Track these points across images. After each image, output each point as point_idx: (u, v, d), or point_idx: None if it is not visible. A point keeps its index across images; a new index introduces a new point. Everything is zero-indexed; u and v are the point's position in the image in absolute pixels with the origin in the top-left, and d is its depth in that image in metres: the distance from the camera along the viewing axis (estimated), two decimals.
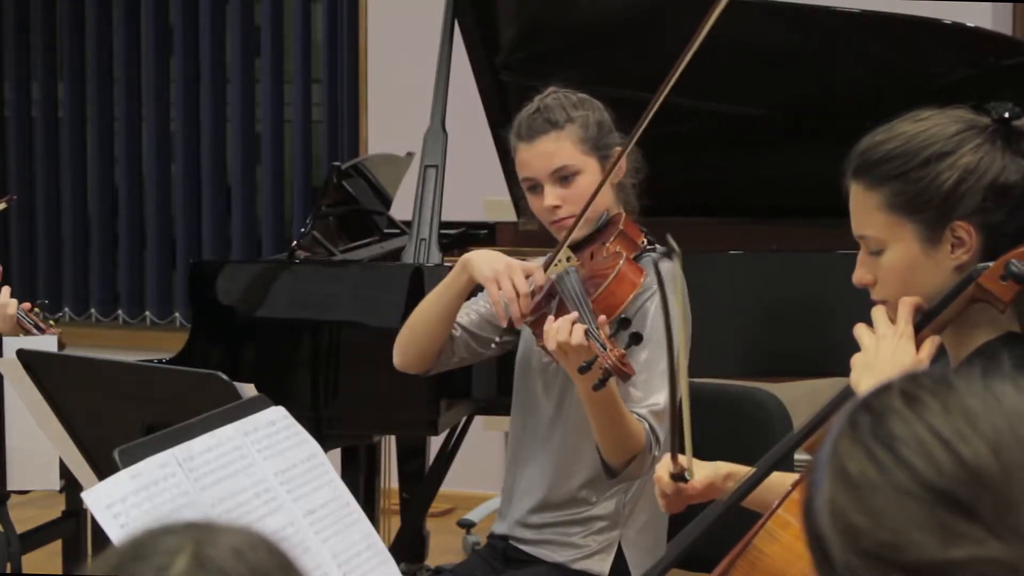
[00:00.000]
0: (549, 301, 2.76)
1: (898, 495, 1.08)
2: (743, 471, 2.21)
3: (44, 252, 6.61)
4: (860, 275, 2.06)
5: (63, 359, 2.60)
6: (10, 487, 3.04)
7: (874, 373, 1.95)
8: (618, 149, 2.86)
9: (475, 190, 5.05)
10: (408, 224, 3.87)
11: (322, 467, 2.09)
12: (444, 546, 5.00)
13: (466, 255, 2.90)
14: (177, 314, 6.44)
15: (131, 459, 1.87)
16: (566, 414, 2.91)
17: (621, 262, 2.72)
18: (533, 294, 2.79)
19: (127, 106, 6.43)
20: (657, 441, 2.74)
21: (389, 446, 4.09)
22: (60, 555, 4.17)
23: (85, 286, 6.59)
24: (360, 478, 3.88)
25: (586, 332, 2.56)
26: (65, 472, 2.81)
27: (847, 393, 1.98)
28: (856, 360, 2.01)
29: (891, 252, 2.01)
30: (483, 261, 2.84)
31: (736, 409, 3.02)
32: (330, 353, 3.62)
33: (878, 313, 2.02)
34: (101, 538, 2.85)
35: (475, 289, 2.91)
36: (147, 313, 6.47)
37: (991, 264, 1.94)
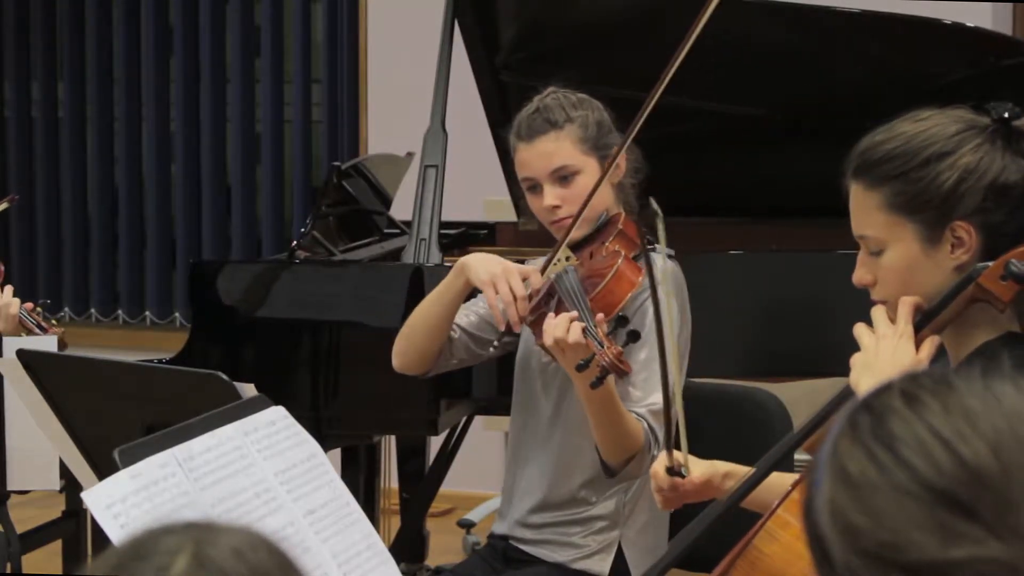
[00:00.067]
0: (549, 300, 2.76)
1: (898, 495, 1.08)
2: (742, 471, 2.21)
3: (44, 252, 6.61)
4: (860, 275, 2.06)
5: (63, 359, 2.60)
6: (10, 487, 3.04)
7: (874, 373, 1.95)
8: (617, 151, 2.86)
9: (475, 190, 5.05)
10: (408, 224, 3.87)
11: (322, 467, 2.09)
12: (444, 546, 5.00)
13: (463, 258, 2.90)
14: (177, 314, 6.44)
15: (131, 459, 1.87)
16: (565, 414, 2.91)
17: (619, 261, 2.72)
18: (530, 297, 2.79)
19: (127, 106, 6.43)
20: (656, 440, 2.73)
21: (389, 446, 4.09)
22: (60, 555, 4.17)
23: (85, 286, 6.59)
24: (360, 478, 3.87)
25: (584, 330, 2.56)
26: (65, 472, 2.81)
27: (847, 393, 1.98)
28: (856, 360, 2.01)
29: (891, 252, 2.01)
30: (480, 264, 2.84)
31: (736, 409, 3.02)
32: (330, 353, 3.62)
33: (878, 313, 2.02)
34: (101, 538, 2.85)
35: (474, 291, 2.91)
36: (147, 313, 6.48)
37: (991, 264, 1.94)
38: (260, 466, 2.01)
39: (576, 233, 2.84)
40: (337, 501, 2.07)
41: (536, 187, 2.90)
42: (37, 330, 3.40)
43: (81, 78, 6.51)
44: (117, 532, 1.79)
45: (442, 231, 3.79)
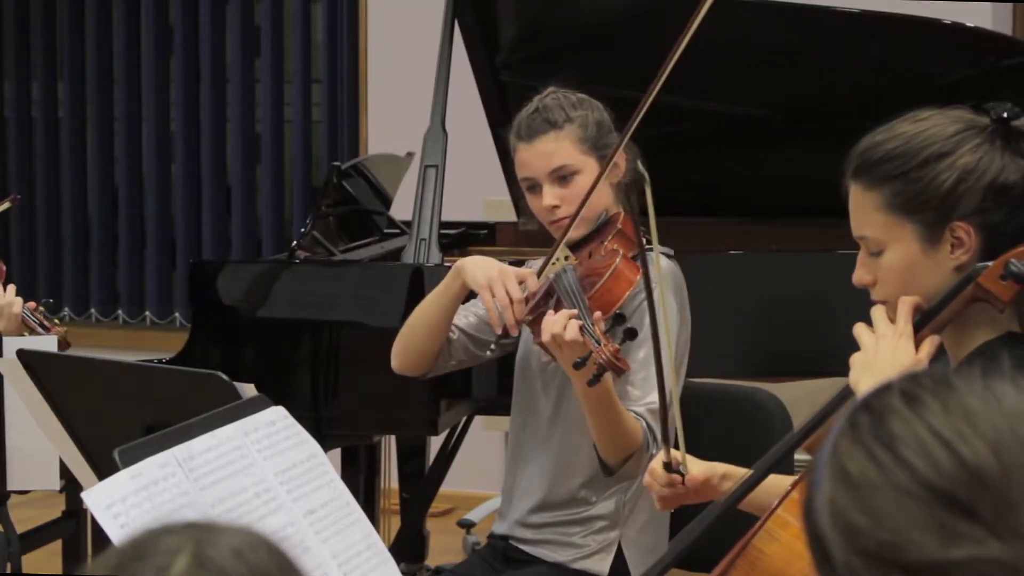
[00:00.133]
0: (548, 299, 2.77)
1: (898, 495, 1.08)
2: (739, 472, 2.21)
3: (44, 252, 6.61)
4: (860, 275, 2.06)
5: (63, 359, 2.60)
6: (10, 487, 3.03)
7: (873, 373, 1.95)
8: (618, 152, 2.86)
9: (475, 190, 5.05)
10: (408, 224, 3.87)
11: (322, 467, 2.09)
12: (444, 546, 5.00)
13: (460, 261, 2.90)
14: (177, 314, 6.44)
15: (131, 459, 1.87)
16: (565, 413, 2.91)
17: (617, 260, 2.73)
18: (527, 300, 2.79)
19: (127, 106, 6.43)
20: (654, 439, 2.74)
21: (389, 446, 4.09)
22: (60, 555, 4.17)
23: (85, 286, 6.59)
24: (360, 478, 3.87)
25: (581, 328, 2.57)
26: (65, 472, 2.80)
27: (847, 393, 1.99)
28: (855, 359, 2.01)
29: (891, 252, 2.01)
30: (476, 267, 2.84)
31: (736, 409, 3.02)
32: (330, 353, 3.62)
33: (877, 313, 2.02)
34: (101, 538, 2.85)
35: (472, 292, 2.91)
36: (147, 313, 6.48)
37: (991, 263, 1.94)
38: (260, 466, 2.01)
39: (575, 233, 2.84)
40: (337, 501, 2.07)
41: (535, 187, 2.90)
42: (40, 329, 3.40)
43: (81, 78, 6.51)
44: (117, 532, 1.79)
45: (442, 231, 3.79)
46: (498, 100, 4.06)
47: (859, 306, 2.08)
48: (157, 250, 6.45)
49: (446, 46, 3.90)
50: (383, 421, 3.69)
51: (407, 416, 3.62)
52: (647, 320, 2.72)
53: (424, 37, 4.50)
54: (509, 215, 4.27)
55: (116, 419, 2.37)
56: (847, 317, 2.08)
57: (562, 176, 2.87)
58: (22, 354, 2.44)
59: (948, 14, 3.76)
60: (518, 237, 4.34)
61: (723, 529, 2.02)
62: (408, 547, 3.97)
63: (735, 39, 3.75)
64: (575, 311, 2.62)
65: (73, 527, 4.08)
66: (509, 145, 2.96)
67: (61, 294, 6.55)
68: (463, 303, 2.94)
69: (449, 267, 3.00)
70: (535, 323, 2.73)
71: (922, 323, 1.99)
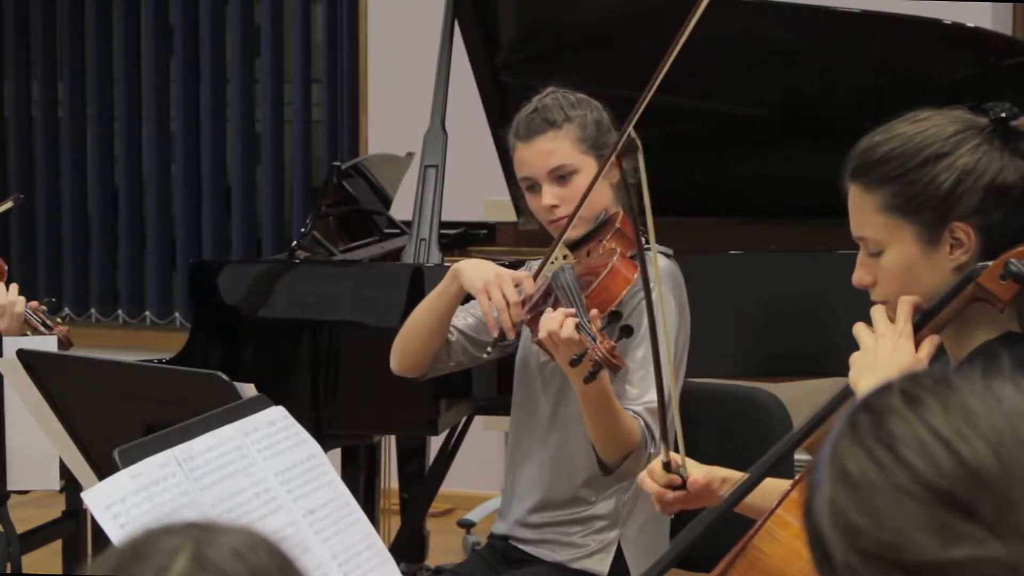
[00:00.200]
0: (546, 299, 2.77)
1: (898, 495, 1.08)
2: (739, 476, 2.21)
3: (44, 252, 6.61)
4: (859, 276, 2.06)
5: (63, 359, 2.60)
6: (10, 487, 3.03)
7: (873, 372, 1.95)
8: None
9: (475, 190, 5.05)
10: (408, 224, 3.87)
11: (322, 467, 2.09)
12: (444, 546, 5.00)
13: (456, 264, 2.90)
14: (177, 314, 6.43)
15: (131, 459, 1.87)
16: (564, 413, 2.91)
17: (615, 258, 2.73)
18: (523, 303, 2.79)
19: (127, 106, 6.43)
20: (652, 438, 2.74)
21: (389, 446, 4.09)
22: (60, 555, 4.17)
23: (85, 286, 6.59)
24: (360, 478, 3.87)
25: (577, 325, 2.57)
26: (65, 472, 2.80)
27: (847, 393, 1.99)
28: (855, 359, 2.01)
29: (890, 253, 2.01)
30: (473, 271, 2.84)
31: (736, 409, 3.02)
32: (330, 353, 3.62)
33: (877, 312, 2.02)
34: (101, 538, 2.85)
35: (471, 295, 2.91)
36: (147, 313, 6.47)
37: (990, 263, 1.94)
38: (260, 466, 2.01)
39: (574, 232, 2.85)
40: (337, 501, 2.07)
41: (535, 186, 2.91)
42: (43, 328, 3.40)
43: (81, 78, 6.51)
44: (117, 532, 1.79)
45: (442, 231, 3.79)
46: (498, 100, 4.06)
47: (859, 306, 2.08)
48: (157, 250, 6.45)
49: (446, 46, 3.90)
50: (383, 421, 3.69)
51: (407, 416, 3.62)
52: (645, 319, 2.73)
53: (424, 37, 4.50)
54: (509, 215, 4.27)
55: (116, 419, 2.37)
56: (847, 317, 2.08)
57: (561, 176, 2.88)
58: (22, 354, 2.44)
59: (948, 14, 3.76)
60: (518, 237, 4.34)
61: (723, 529, 2.02)
62: (408, 547, 3.97)
63: (735, 39, 3.75)
64: (572, 309, 2.62)
65: (73, 527, 4.08)
66: (508, 145, 2.96)
67: (61, 294, 6.54)
68: (462, 304, 2.94)
69: (449, 267, 3.00)
70: (533, 322, 2.73)
71: (922, 323, 1.99)
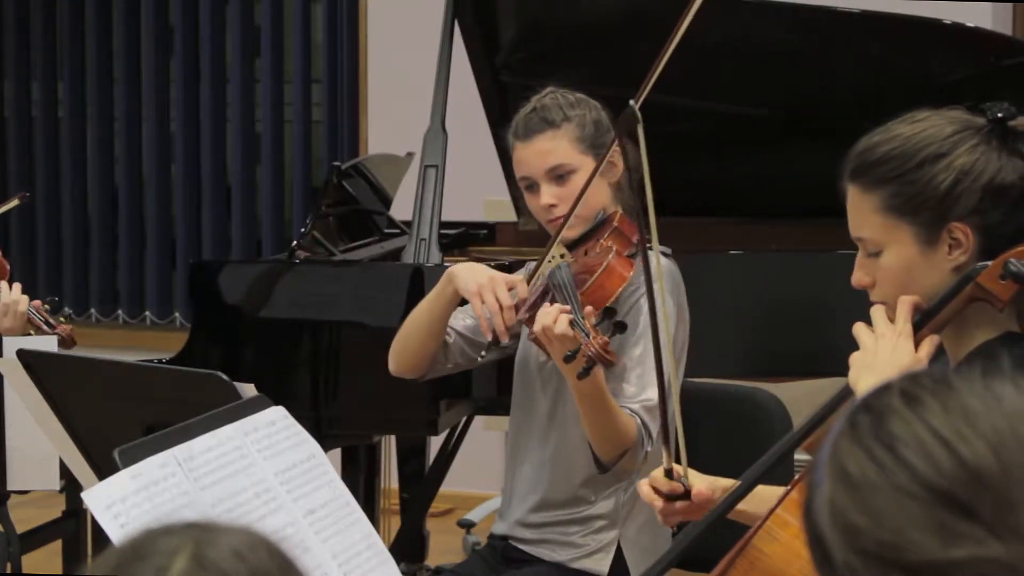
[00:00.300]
0: (544, 298, 2.78)
1: (898, 495, 1.08)
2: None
3: (44, 252, 6.61)
4: (858, 277, 2.06)
5: (63, 359, 2.60)
6: (10, 487, 3.03)
7: (873, 372, 1.95)
8: (615, 149, 2.85)
9: (475, 190, 5.05)
10: (408, 224, 3.87)
11: (322, 467, 2.09)
12: (444, 546, 5.00)
13: (451, 268, 2.91)
14: (177, 314, 6.44)
15: (131, 459, 1.87)
16: (562, 412, 2.91)
17: (611, 256, 2.74)
18: (517, 307, 2.80)
19: (127, 106, 6.43)
20: (649, 436, 2.75)
21: (389, 446, 4.09)
22: (60, 555, 4.17)
23: (85, 286, 6.59)
24: (360, 478, 3.87)
25: (571, 321, 2.58)
26: (65, 472, 2.81)
27: (846, 393, 1.98)
28: (855, 359, 2.01)
29: (889, 254, 2.01)
30: (467, 274, 2.85)
31: (736, 409, 3.02)
32: (330, 353, 3.62)
33: (877, 312, 2.02)
34: (101, 538, 2.85)
35: None
36: (147, 313, 6.47)
37: (990, 263, 1.94)
38: (260, 466, 2.01)
39: (572, 231, 2.85)
40: (337, 501, 2.07)
41: (533, 186, 2.91)
42: (46, 327, 3.40)
43: (81, 78, 6.51)
44: (117, 532, 1.79)
45: (442, 231, 3.79)
46: (498, 100, 4.06)
47: (859, 306, 2.08)
48: (157, 250, 6.45)
49: (446, 46, 3.90)
50: (383, 421, 3.69)
51: (407, 416, 3.62)
52: (642, 318, 2.73)
53: (424, 37, 4.50)
54: (509, 215, 4.27)
55: (116, 419, 2.37)
56: (847, 317, 2.08)
57: (559, 175, 2.88)
58: (22, 354, 2.44)
59: (948, 14, 3.76)
60: (518, 237, 4.34)
61: (723, 529, 2.02)
62: (408, 547, 3.97)
63: (735, 39, 3.75)
64: (568, 306, 2.63)
65: (73, 527, 4.08)
66: (508, 145, 2.97)
67: (61, 294, 6.54)
68: (460, 305, 2.95)
69: (450, 266, 3.00)
70: (530, 320, 2.74)
71: (921, 323, 1.99)
